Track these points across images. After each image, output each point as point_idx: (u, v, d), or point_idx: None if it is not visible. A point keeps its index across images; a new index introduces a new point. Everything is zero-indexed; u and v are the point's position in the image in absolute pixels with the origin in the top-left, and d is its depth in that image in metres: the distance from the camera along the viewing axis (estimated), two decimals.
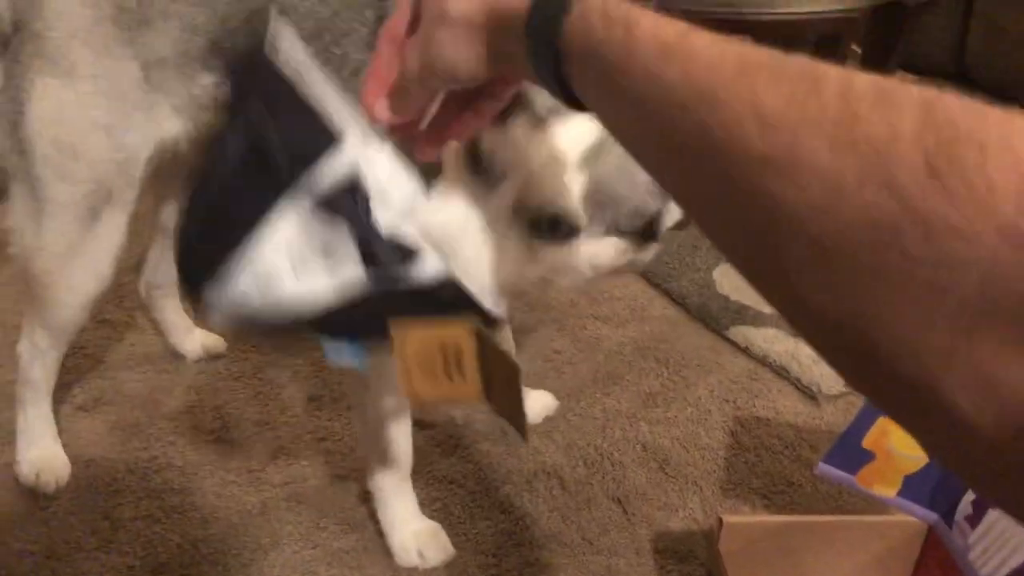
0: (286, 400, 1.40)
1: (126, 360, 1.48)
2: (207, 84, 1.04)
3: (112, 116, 1.03)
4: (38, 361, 1.17)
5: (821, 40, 1.58)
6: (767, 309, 1.60)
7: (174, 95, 1.05)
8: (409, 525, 1.12)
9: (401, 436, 1.09)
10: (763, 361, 1.48)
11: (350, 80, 0.98)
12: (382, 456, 1.10)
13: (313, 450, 1.30)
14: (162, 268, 1.41)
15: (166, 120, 1.06)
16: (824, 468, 0.99)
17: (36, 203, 1.05)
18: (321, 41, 0.99)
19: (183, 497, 1.21)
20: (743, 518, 1.00)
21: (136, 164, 1.06)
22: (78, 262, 1.08)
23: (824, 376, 1.43)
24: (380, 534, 1.14)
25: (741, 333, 1.54)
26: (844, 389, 1.40)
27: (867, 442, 0.97)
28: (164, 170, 1.14)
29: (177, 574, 1.09)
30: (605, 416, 1.37)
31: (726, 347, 1.53)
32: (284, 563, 1.11)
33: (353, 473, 1.24)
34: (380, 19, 0.97)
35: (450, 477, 1.25)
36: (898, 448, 0.95)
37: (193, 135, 1.10)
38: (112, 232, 1.08)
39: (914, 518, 0.97)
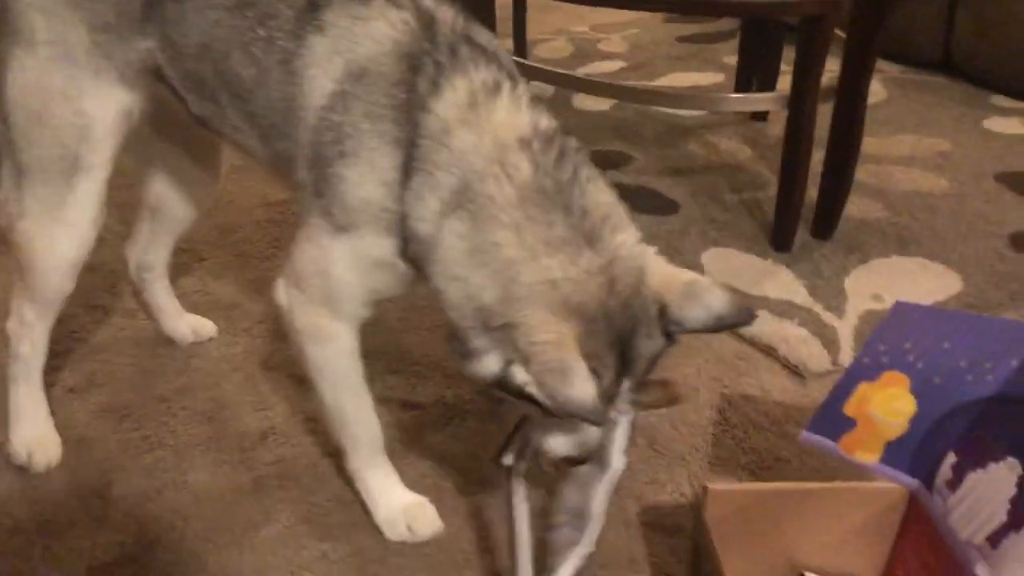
0: (276, 382, 1.40)
1: (118, 344, 1.49)
2: (142, 49, 1.06)
3: (67, 83, 1.05)
4: (26, 336, 1.18)
5: (805, 22, 1.59)
6: (755, 291, 1.62)
7: (117, 60, 1.06)
8: (393, 500, 1.13)
9: (363, 416, 1.11)
10: (751, 342, 1.49)
11: (276, 68, 0.97)
12: (350, 438, 1.12)
13: (304, 430, 1.30)
14: (151, 250, 1.42)
15: (114, 87, 1.08)
16: (808, 436, 1.00)
17: (18, 170, 1.08)
18: (244, 17, 0.98)
19: (175, 475, 1.22)
20: (728, 486, 1.01)
21: (97, 130, 1.08)
22: (58, 228, 1.10)
23: (811, 355, 1.44)
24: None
25: None
26: (831, 367, 1.41)
27: (848, 409, 0.98)
28: (135, 146, 1.15)
29: (169, 550, 1.10)
30: None
31: None
32: (276, 537, 1.12)
33: (343, 453, 1.25)
34: (312, 3, 0.96)
35: (440, 454, 1.26)
36: (879, 414, 0.97)
37: (145, 106, 1.12)
38: (87, 198, 1.10)
39: (896, 484, 0.98)
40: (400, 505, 1.12)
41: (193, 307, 1.54)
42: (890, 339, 0.97)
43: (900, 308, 0.95)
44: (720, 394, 1.38)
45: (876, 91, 2.57)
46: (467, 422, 1.32)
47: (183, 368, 1.44)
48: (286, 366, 1.44)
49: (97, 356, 1.45)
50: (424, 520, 1.12)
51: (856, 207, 1.89)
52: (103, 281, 1.63)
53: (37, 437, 1.22)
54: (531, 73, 2.21)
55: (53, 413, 1.27)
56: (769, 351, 1.47)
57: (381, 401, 1.34)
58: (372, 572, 1.07)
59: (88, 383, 1.39)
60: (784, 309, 1.56)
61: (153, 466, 1.23)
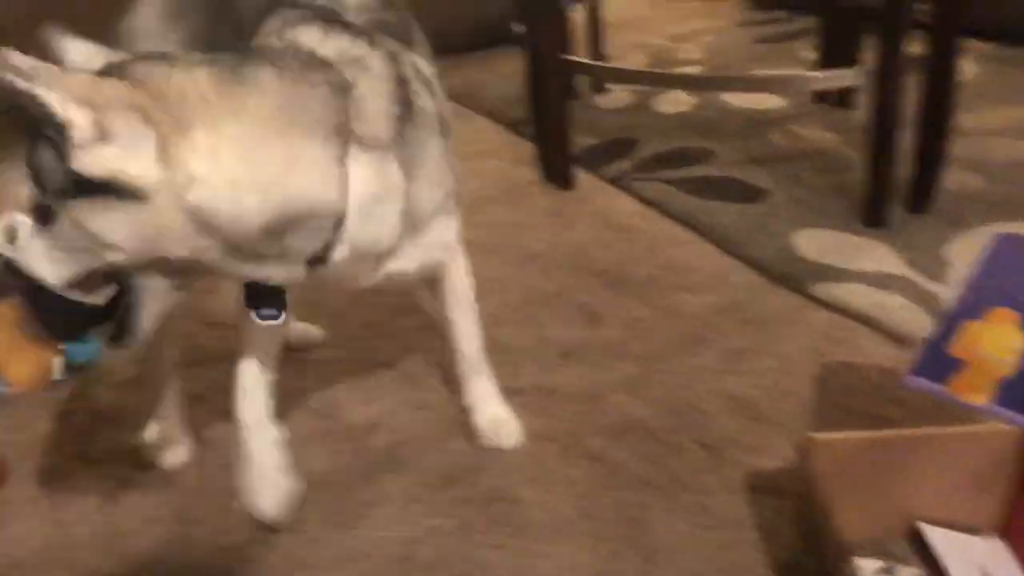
0: (381, 379, 1.47)
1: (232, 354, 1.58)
2: None
3: None
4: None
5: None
6: (851, 266, 1.59)
7: None
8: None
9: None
10: (849, 313, 1.47)
11: None
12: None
13: (410, 419, 1.36)
14: None
15: None
16: (913, 380, 0.98)
17: None
18: None
19: (295, 465, 1.28)
20: (833, 435, 0.99)
21: None
22: None
23: (913, 321, 1.41)
24: (477, 486, 1.18)
25: (825, 290, 1.53)
26: None
27: (956, 350, 0.96)
28: None
29: (293, 531, 1.16)
30: (691, 373, 1.38)
31: (810, 304, 1.52)
32: (390, 515, 1.17)
33: (448, 436, 1.30)
34: None
35: (541, 435, 1.28)
36: (989, 352, 0.94)
37: None
38: None
39: (1013, 426, 0.95)
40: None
41: (302, 318, 1.63)
42: (994, 274, 0.95)
43: (1001, 241, 0.94)
44: (819, 364, 1.36)
45: (969, 69, 2.50)
46: (566, 404, 1.35)
47: (297, 372, 1.51)
48: (389, 364, 1.50)
49: (218, 366, 1.54)
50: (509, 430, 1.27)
51: (953, 180, 1.83)
52: (222, 301, 1.74)
53: (166, 439, 1.32)
54: (609, 75, 2.25)
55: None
56: (867, 320, 1.44)
57: None
58: (480, 541, 1.11)
59: (211, 390, 1.48)
60: (882, 281, 1.53)
61: None
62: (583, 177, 2.16)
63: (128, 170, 0.79)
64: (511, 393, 1.38)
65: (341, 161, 0.90)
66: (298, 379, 1.49)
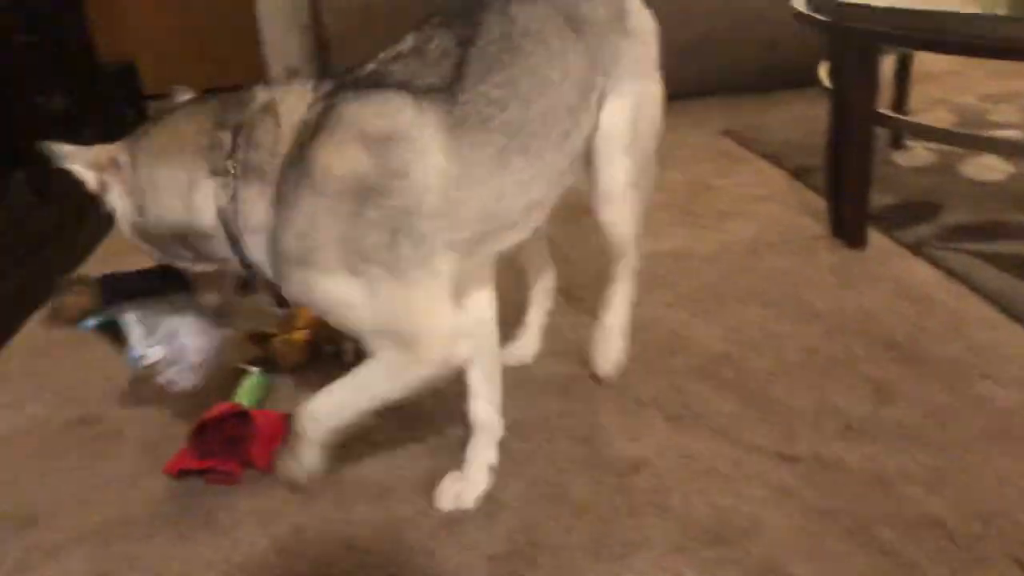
0: (645, 417, 1.44)
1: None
2: None
3: None
4: None
5: None
6: None
7: None
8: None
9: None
10: None
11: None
12: None
13: (676, 464, 1.32)
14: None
15: None
16: None
17: None
18: None
19: (555, 488, 1.29)
20: None
21: None
22: None
23: None
24: (748, 551, 1.13)
25: None
26: None
27: None
28: None
29: (554, 553, 1.17)
30: (1000, 475, 1.23)
31: None
32: (650, 561, 1.14)
33: (717, 490, 1.25)
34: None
35: (821, 511, 1.20)
36: None
37: None
38: None
39: None
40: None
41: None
42: None
43: None
44: None
45: None
46: (851, 484, 1.24)
47: (561, 394, 1.53)
48: (655, 404, 1.47)
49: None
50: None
51: None
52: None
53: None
54: (927, 134, 2.07)
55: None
56: None
57: (753, 450, 1.33)
58: None
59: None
60: None
61: (535, 477, 1.32)
62: (875, 237, 2.01)
63: (115, 205, 1.16)
64: (785, 459, 1.31)
65: (204, 185, 1.11)
66: (563, 402, 1.51)
